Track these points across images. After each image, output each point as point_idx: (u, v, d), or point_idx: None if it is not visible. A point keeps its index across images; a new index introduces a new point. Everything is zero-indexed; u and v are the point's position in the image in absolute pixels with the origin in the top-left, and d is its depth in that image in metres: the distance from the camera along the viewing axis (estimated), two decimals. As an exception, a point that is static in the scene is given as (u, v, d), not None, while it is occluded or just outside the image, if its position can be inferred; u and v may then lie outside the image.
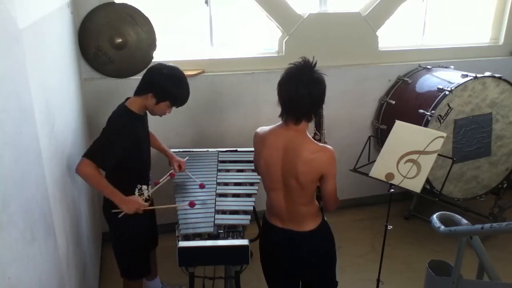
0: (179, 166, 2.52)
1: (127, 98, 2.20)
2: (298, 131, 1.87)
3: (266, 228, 2.11)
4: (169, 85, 2.10)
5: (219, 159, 2.90)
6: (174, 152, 2.62)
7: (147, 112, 2.24)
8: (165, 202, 2.44)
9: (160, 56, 3.18)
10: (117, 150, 2.07)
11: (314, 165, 1.84)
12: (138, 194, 2.25)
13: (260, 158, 1.95)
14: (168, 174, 2.51)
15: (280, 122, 1.92)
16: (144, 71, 2.23)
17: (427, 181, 3.04)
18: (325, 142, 2.42)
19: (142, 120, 2.24)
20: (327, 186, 1.91)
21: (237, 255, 2.10)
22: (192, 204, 2.31)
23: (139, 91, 2.14)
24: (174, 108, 3.23)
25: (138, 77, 2.26)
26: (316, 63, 1.82)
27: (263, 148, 1.93)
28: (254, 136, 2.01)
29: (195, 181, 2.57)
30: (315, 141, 1.91)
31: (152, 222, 2.50)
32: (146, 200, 2.28)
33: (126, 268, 2.36)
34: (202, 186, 2.53)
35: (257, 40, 3.79)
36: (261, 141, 1.94)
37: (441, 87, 3.22)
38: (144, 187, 2.29)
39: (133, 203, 2.14)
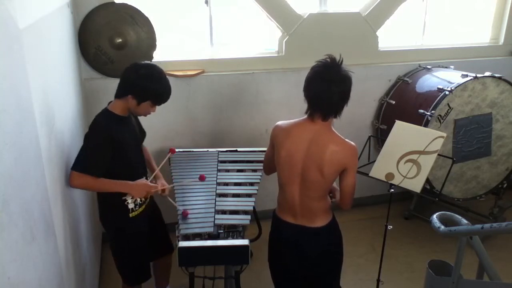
0: (163, 190, 2.26)
1: (110, 101, 2.13)
2: (324, 126, 1.92)
3: (277, 224, 2.12)
4: (148, 85, 1.99)
5: (219, 159, 2.90)
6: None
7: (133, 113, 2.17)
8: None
9: (160, 56, 3.19)
10: (100, 153, 2.00)
11: (338, 157, 1.88)
12: (131, 197, 2.15)
13: (281, 149, 1.97)
14: (167, 157, 2.41)
15: (302, 117, 1.97)
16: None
17: (427, 181, 3.04)
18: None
19: (126, 121, 2.15)
20: (347, 179, 1.94)
21: (237, 255, 2.09)
22: (185, 214, 2.30)
23: (119, 94, 2.06)
24: (174, 108, 3.21)
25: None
26: (342, 61, 1.86)
27: (286, 139, 1.96)
28: (273, 129, 2.04)
29: (179, 209, 2.34)
30: (340, 135, 1.95)
31: (156, 228, 2.43)
32: (140, 204, 2.21)
33: (124, 272, 2.34)
34: (202, 178, 2.42)
35: (257, 40, 3.79)
36: (285, 132, 1.98)
37: (441, 87, 3.23)
38: None
39: (142, 186, 2.12)
